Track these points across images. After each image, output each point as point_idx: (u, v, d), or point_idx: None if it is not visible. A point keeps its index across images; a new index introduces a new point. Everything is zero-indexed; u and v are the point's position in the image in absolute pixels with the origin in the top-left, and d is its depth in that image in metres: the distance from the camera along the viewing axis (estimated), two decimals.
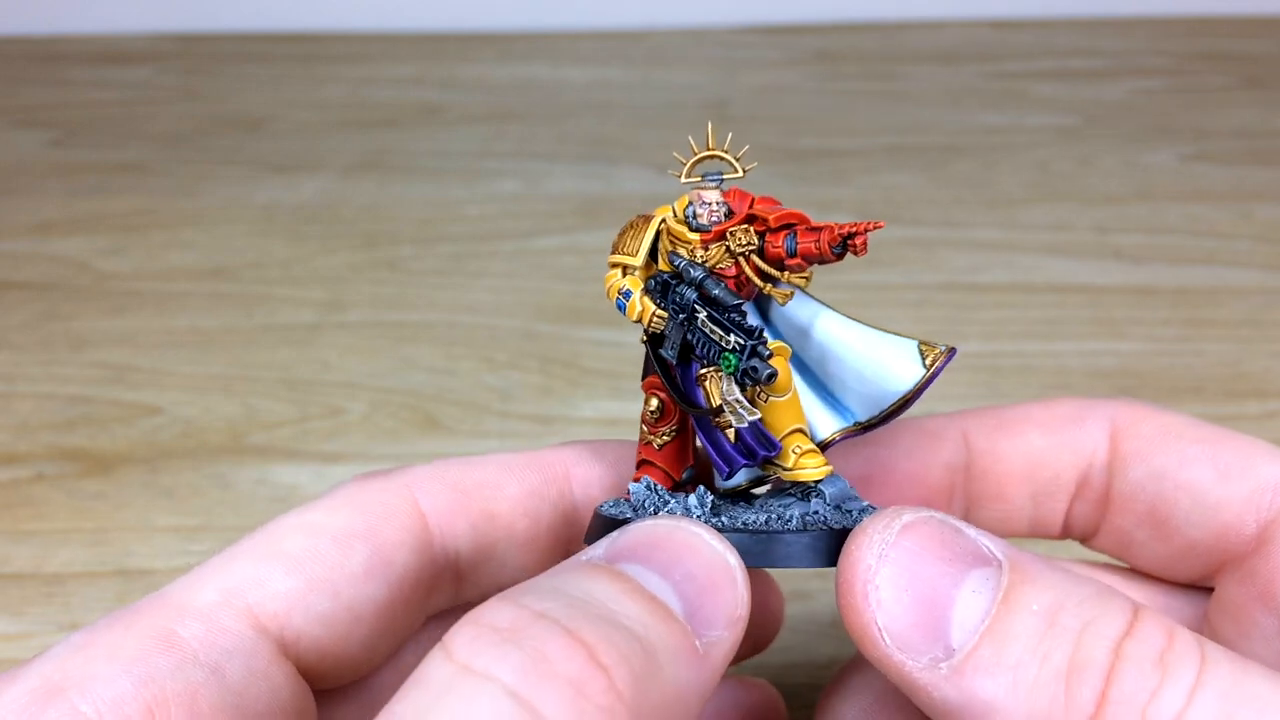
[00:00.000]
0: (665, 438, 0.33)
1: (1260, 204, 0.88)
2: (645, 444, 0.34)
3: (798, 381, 0.33)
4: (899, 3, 1.29)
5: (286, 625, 0.30)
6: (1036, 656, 0.26)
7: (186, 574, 0.31)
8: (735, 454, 0.32)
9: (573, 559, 0.28)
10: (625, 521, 0.30)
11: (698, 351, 0.32)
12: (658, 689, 0.24)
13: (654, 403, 0.33)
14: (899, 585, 0.27)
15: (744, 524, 0.31)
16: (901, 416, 0.33)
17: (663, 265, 0.33)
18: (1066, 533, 0.38)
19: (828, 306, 0.34)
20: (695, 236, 0.33)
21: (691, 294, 0.32)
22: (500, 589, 0.35)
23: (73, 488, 0.61)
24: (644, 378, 0.34)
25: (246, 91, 1.15)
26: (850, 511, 0.32)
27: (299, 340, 0.74)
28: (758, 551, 0.30)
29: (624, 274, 0.33)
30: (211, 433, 0.65)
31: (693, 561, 0.27)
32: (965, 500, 0.38)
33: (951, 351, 0.32)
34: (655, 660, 0.24)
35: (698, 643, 0.26)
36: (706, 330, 0.31)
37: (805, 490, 0.32)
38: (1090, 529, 0.37)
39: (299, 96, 1.13)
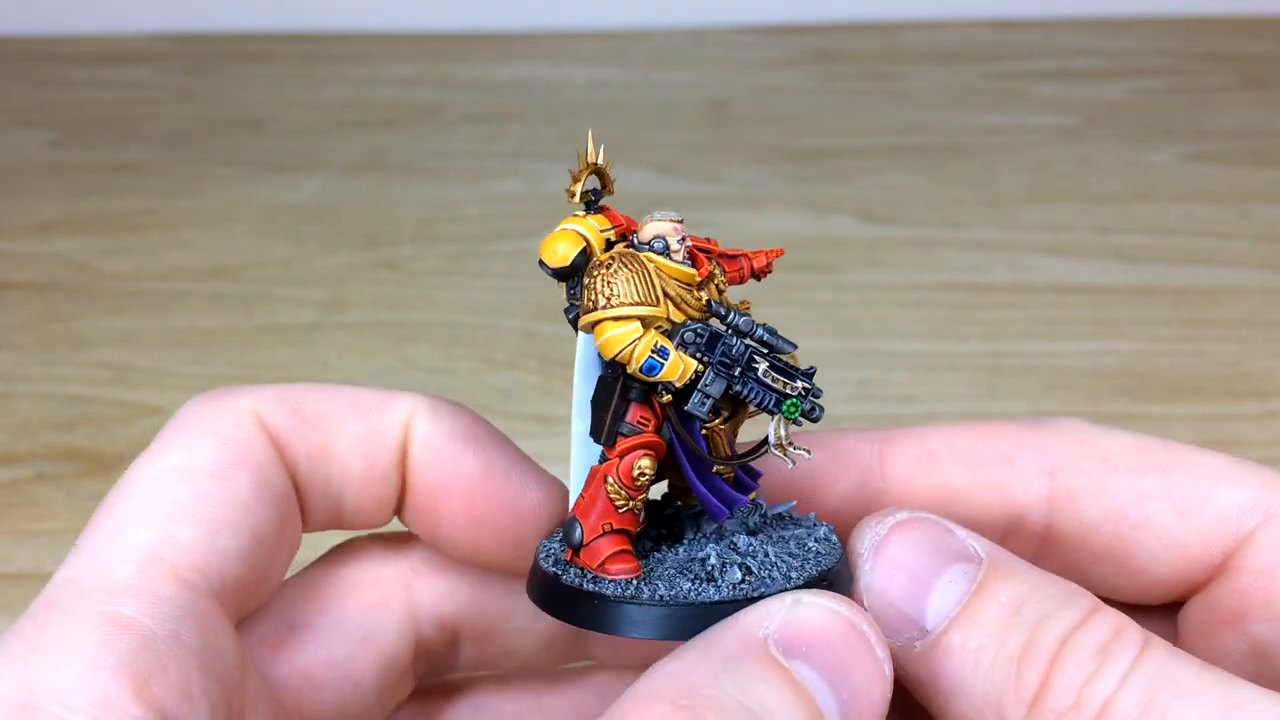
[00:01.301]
0: (643, 500, 0.31)
1: (1260, 204, 0.88)
2: (623, 512, 0.30)
3: None
4: (899, 3, 1.29)
5: (209, 574, 0.30)
6: (996, 642, 0.28)
7: (77, 558, 0.30)
8: (735, 494, 0.32)
9: (748, 630, 0.28)
10: (721, 604, 0.29)
11: (752, 401, 0.30)
12: None
13: (648, 463, 0.30)
14: (885, 573, 0.30)
15: (822, 567, 0.31)
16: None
17: (679, 315, 0.30)
18: None
19: None
20: (697, 277, 0.30)
21: (744, 345, 0.30)
22: (335, 522, 0.35)
23: (73, 488, 0.61)
24: (612, 439, 0.31)
25: (246, 91, 1.15)
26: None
27: (299, 340, 0.74)
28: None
29: (644, 327, 0.29)
30: None
31: (860, 674, 0.28)
32: None
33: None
34: None
35: None
36: (769, 380, 0.30)
37: (749, 507, 0.33)
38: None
39: (299, 96, 1.13)
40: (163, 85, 1.17)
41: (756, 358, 0.30)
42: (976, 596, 0.29)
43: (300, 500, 0.34)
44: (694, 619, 0.29)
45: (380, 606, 0.36)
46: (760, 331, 0.30)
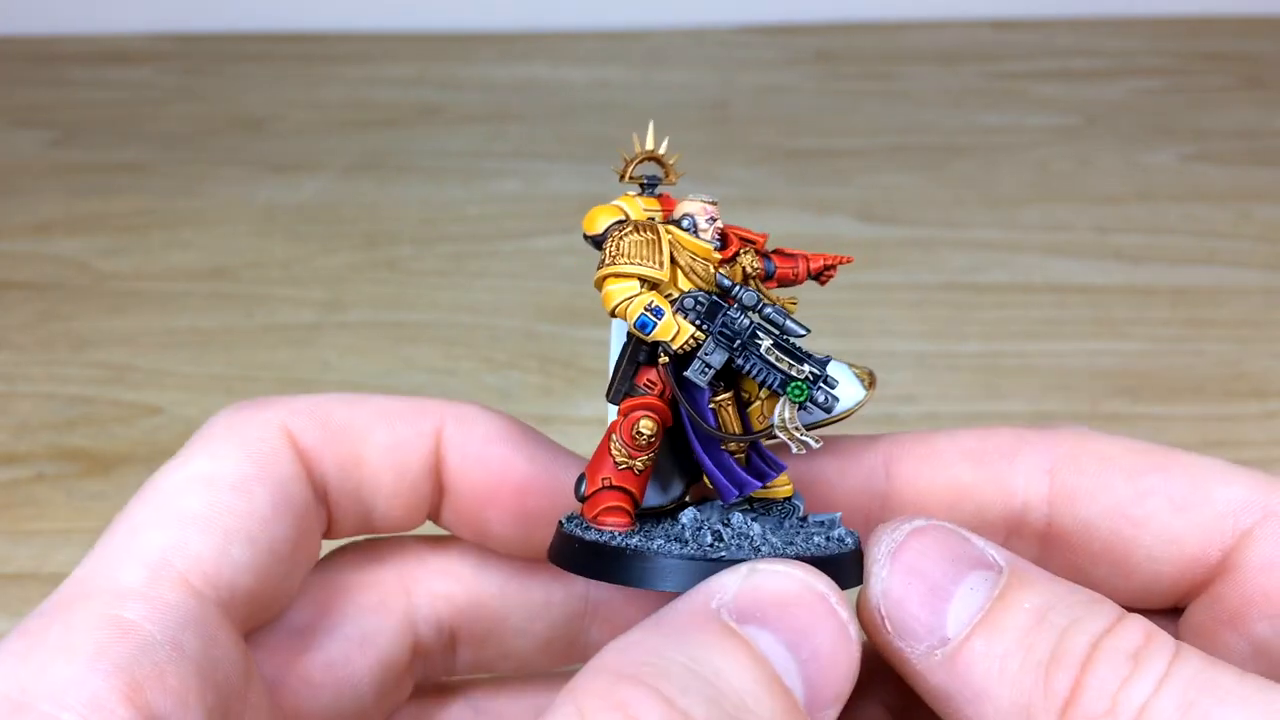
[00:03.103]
0: (646, 462, 0.32)
1: (1260, 204, 0.88)
2: (622, 469, 0.32)
3: None
4: (899, 3, 1.29)
5: (219, 583, 0.30)
6: (1023, 648, 0.28)
7: (92, 559, 0.30)
8: (747, 477, 0.32)
9: (701, 602, 0.28)
10: (696, 561, 0.30)
11: (755, 378, 0.31)
12: None
13: (649, 424, 0.32)
14: (903, 580, 0.30)
15: (819, 548, 0.31)
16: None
17: (687, 283, 0.31)
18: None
19: None
20: (718, 255, 0.32)
21: (747, 320, 0.31)
22: (365, 528, 0.35)
23: (73, 488, 0.61)
24: (619, 397, 0.32)
25: (246, 91, 1.15)
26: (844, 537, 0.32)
27: (299, 340, 0.74)
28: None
29: (643, 286, 0.31)
30: None
31: (820, 635, 0.28)
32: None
33: (873, 375, 0.33)
34: None
35: None
36: (772, 358, 0.31)
37: (778, 506, 0.33)
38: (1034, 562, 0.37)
39: (299, 96, 1.13)
40: (163, 85, 1.17)
41: (761, 334, 0.31)
42: (1000, 603, 0.29)
43: (330, 509, 0.34)
44: (652, 570, 0.30)
45: (378, 609, 0.36)
46: (769, 310, 0.31)
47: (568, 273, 0.81)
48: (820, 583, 0.29)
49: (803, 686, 0.27)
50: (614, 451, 0.32)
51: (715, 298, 0.31)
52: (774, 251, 0.33)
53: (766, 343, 0.31)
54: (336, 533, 0.35)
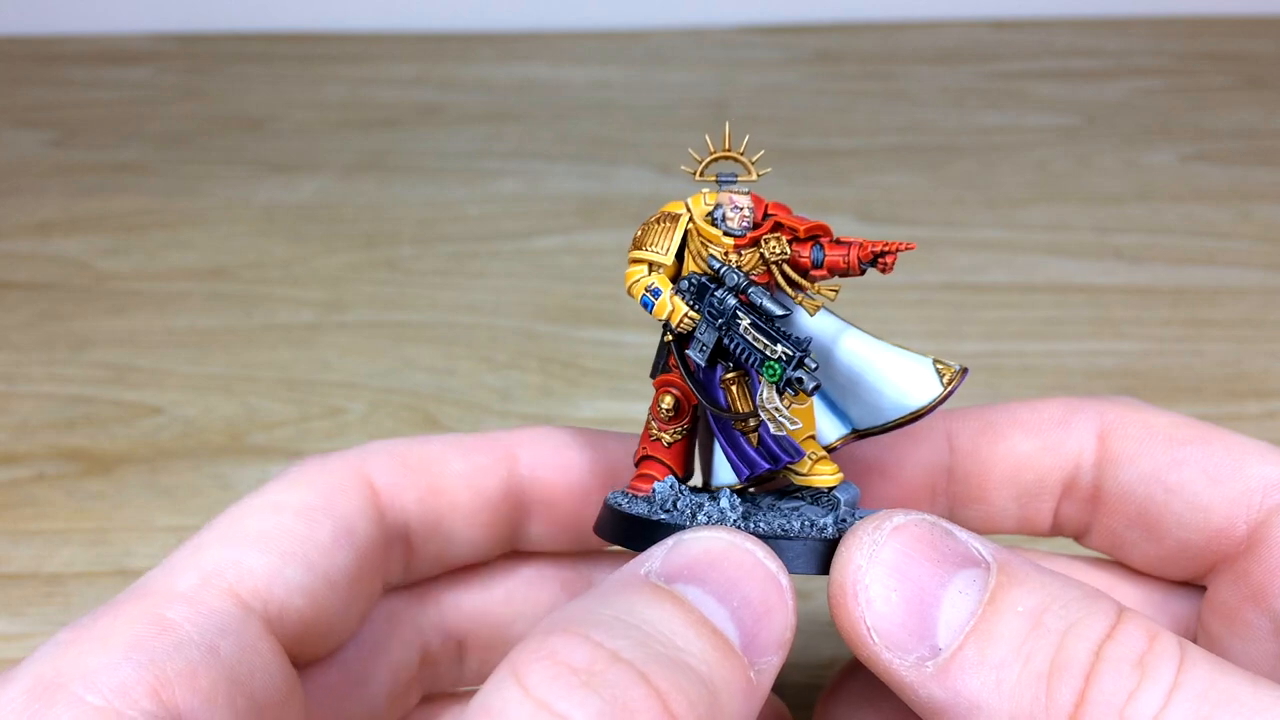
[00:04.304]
0: (675, 436, 0.34)
1: (1260, 204, 0.88)
2: (654, 440, 0.34)
3: None
4: (899, 3, 1.29)
5: (269, 600, 0.31)
6: (1020, 657, 0.26)
7: (158, 566, 0.31)
8: (758, 457, 0.32)
9: (630, 571, 0.28)
10: (657, 524, 0.31)
11: (739, 357, 0.32)
12: None
13: (669, 400, 0.34)
14: (887, 585, 0.28)
15: (782, 530, 0.31)
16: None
17: (693, 266, 0.33)
18: (1057, 531, 0.38)
19: (841, 318, 0.34)
20: (729, 240, 0.33)
21: (732, 300, 0.32)
22: (448, 562, 0.37)
23: (73, 488, 0.61)
24: (655, 374, 0.34)
25: (246, 91, 1.15)
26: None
27: (299, 340, 0.74)
28: (796, 559, 0.30)
29: (650, 270, 0.33)
30: (211, 433, 0.65)
31: (749, 585, 0.28)
32: (949, 501, 0.38)
33: (964, 371, 0.32)
34: (718, 700, 0.26)
35: (751, 674, 0.27)
36: (749, 338, 0.31)
37: (816, 495, 0.33)
38: (1082, 528, 0.37)
39: (299, 96, 1.13)
40: (163, 85, 1.17)
41: (741, 314, 0.32)
42: (991, 607, 0.27)
43: (412, 544, 0.36)
44: (619, 526, 0.33)
45: (389, 617, 0.37)
46: (752, 291, 0.32)
47: (568, 273, 0.81)
48: (748, 542, 0.29)
49: (736, 630, 0.27)
50: (650, 426, 0.34)
51: (704, 279, 0.33)
52: (830, 240, 0.33)
53: (745, 322, 0.31)
54: (417, 569, 0.37)
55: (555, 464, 0.37)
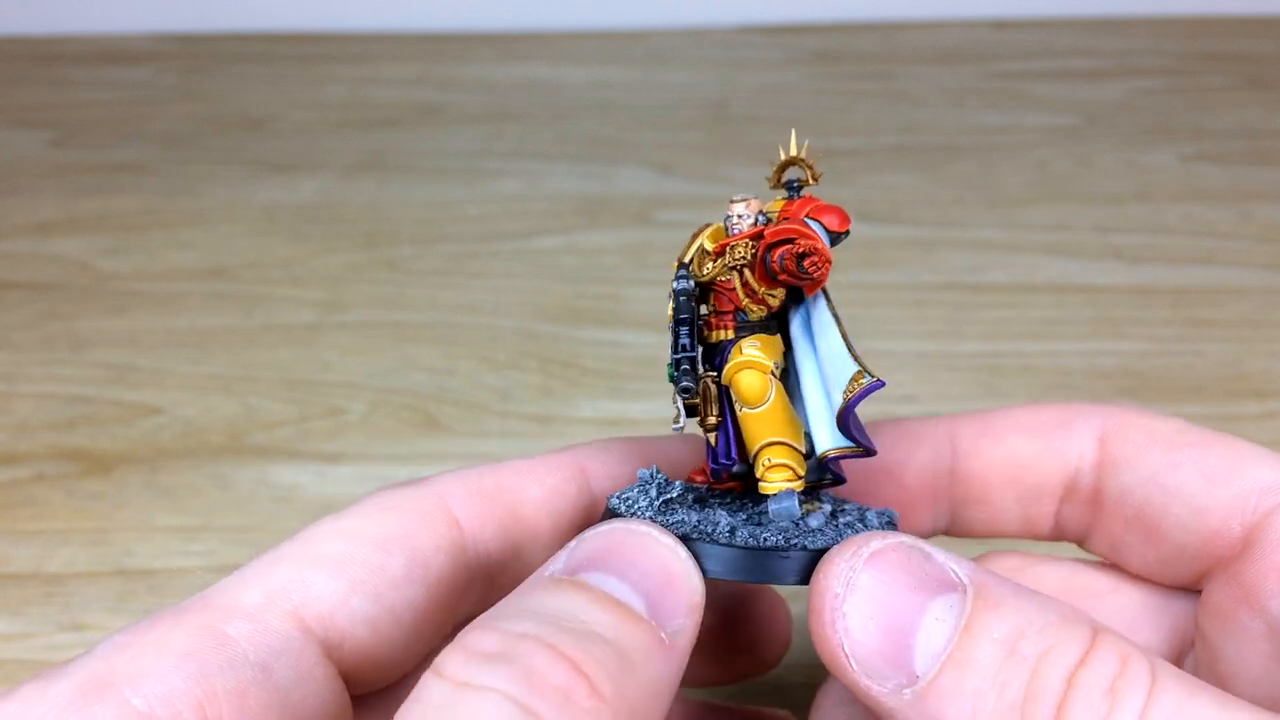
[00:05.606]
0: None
1: (1260, 204, 0.88)
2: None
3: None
4: (899, 3, 1.29)
5: (331, 627, 0.31)
6: (995, 685, 0.27)
7: (228, 578, 0.31)
8: (715, 455, 0.33)
9: (537, 575, 0.29)
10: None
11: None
12: (634, 684, 0.26)
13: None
14: (864, 613, 0.28)
15: (681, 523, 0.31)
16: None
17: (697, 273, 0.34)
18: (1059, 535, 0.38)
19: (812, 345, 0.34)
20: (710, 248, 0.34)
21: (677, 303, 0.33)
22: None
23: (73, 488, 0.61)
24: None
25: (246, 91, 1.15)
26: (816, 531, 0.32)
27: (299, 340, 0.74)
28: (710, 559, 0.31)
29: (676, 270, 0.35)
30: (211, 433, 0.65)
31: (646, 560, 0.29)
32: (950, 503, 0.38)
33: (875, 384, 0.32)
34: (629, 660, 0.26)
35: (663, 635, 0.28)
36: (671, 339, 0.33)
37: (759, 500, 0.34)
38: (1083, 532, 0.37)
39: (299, 96, 1.13)
40: (163, 85, 1.17)
41: (673, 316, 0.33)
42: (966, 634, 0.27)
43: (494, 581, 0.36)
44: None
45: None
46: (670, 296, 0.33)
47: (568, 273, 0.81)
48: (641, 526, 0.30)
49: (640, 600, 0.28)
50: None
51: (675, 285, 0.34)
52: (782, 242, 0.34)
53: (671, 324, 0.33)
54: (492, 602, 0.37)
55: (623, 479, 0.37)
